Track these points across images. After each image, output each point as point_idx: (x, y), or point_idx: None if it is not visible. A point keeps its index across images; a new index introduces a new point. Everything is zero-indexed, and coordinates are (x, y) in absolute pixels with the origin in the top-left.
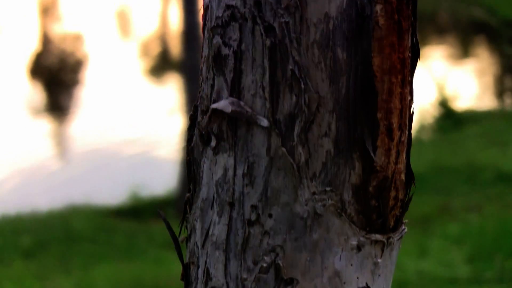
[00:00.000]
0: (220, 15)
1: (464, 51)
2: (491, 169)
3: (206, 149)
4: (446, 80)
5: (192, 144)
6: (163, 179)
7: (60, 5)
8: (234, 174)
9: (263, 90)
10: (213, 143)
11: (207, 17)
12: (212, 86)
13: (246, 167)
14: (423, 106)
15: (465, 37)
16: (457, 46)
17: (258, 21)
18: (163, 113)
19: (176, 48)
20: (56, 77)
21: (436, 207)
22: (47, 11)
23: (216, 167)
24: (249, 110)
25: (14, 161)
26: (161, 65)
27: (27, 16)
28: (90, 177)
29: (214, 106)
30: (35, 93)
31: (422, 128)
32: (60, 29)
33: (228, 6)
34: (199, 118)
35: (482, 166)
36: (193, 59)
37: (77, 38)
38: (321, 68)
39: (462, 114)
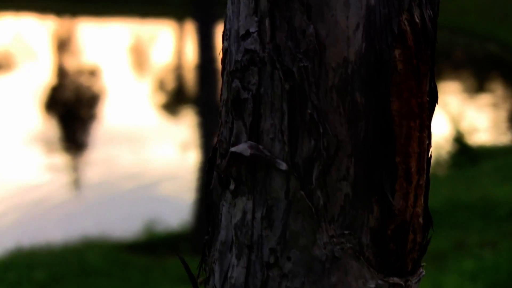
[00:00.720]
0: (239, 59)
1: (479, 86)
2: (507, 205)
3: (225, 192)
4: (461, 115)
5: (211, 187)
6: (178, 214)
7: (75, 39)
8: (253, 217)
9: (282, 134)
10: (232, 187)
11: (226, 61)
12: (231, 129)
13: (264, 210)
14: (438, 142)
15: (480, 72)
16: (472, 81)
17: (277, 65)
18: (178, 146)
19: (191, 82)
20: (71, 111)
21: (451, 243)
22: (62, 45)
23: (235, 210)
24: (268, 153)
25: (28, 194)
26: (176, 99)
27: (43, 50)
28: (105, 212)
29: (233, 149)
30: (50, 127)
31: (437, 163)
32: (75, 63)
33: (247, 50)
34: (218, 161)
35: (497, 202)
36: (208, 94)
37: (92, 72)
38: (339, 112)
39: (477, 149)
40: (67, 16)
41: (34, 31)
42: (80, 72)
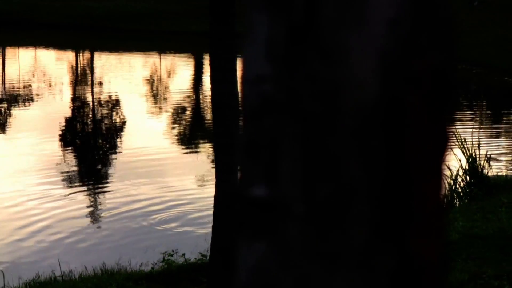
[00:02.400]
0: (255, 102)
1: (497, 117)
2: None
3: (242, 235)
4: (478, 146)
5: (230, 230)
6: (195, 245)
7: (95, 71)
8: (269, 261)
9: (298, 178)
10: (248, 230)
11: (244, 105)
12: (248, 173)
13: (280, 254)
14: (455, 173)
15: (498, 103)
16: (490, 112)
17: (293, 109)
18: (195, 179)
19: (208, 116)
20: (89, 142)
21: (468, 274)
22: (81, 79)
23: (251, 253)
24: (284, 197)
25: (47, 225)
26: (194, 133)
27: (62, 83)
28: (123, 242)
29: (249, 193)
30: (68, 158)
31: (453, 195)
32: (95, 95)
33: (262, 94)
34: (235, 205)
35: None
36: (223, 128)
37: (110, 105)
38: (355, 156)
39: (494, 180)
40: (86, 51)
41: (54, 65)
42: (98, 105)
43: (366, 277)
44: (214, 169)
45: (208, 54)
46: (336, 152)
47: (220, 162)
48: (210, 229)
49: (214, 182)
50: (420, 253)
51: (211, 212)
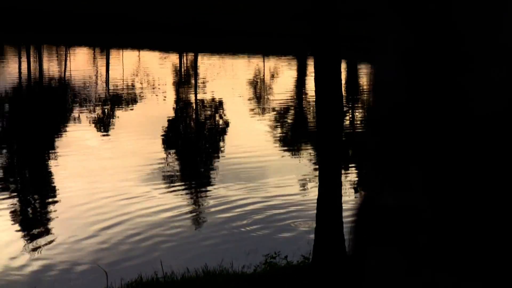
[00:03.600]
0: (385, 110)
1: None
2: None
3: (370, 243)
4: None
5: (356, 237)
6: (297, 248)
7: (198, 72)
8: (397, 268)
9: (428, 185)
10: (377, 237)
11: (372, 112)
12: (377, 181)
13: (409, 261)
14: None
15: None
16: None
17: (421, 115)
18: (298, 181)
19: (312, 117)
20: (193, 143)
21: None
22: (186, 78)
23: (379, 260)
24: (412, 204)
25: (148, 226)
26: (297, 135)
27: (166, 83)
28: (225, 245)
29: (378, 200)
30: (171, 160)
31: None
32: (197, 96)
33: (391, 101)
34: (364, 212)
35: None
36: (325, 129)
37: (214, 106)
38: (485, 162)
39: None
40: (189, 53)
41: (157, 67)
42: (201, 105)
43: (492, 286)
44: (317, 171)
45: (312, 57)
46: (466, 159)
47: (323, 165)
48: (313, 232)
49: (317, 185)
50: None
51: (314, 214)
